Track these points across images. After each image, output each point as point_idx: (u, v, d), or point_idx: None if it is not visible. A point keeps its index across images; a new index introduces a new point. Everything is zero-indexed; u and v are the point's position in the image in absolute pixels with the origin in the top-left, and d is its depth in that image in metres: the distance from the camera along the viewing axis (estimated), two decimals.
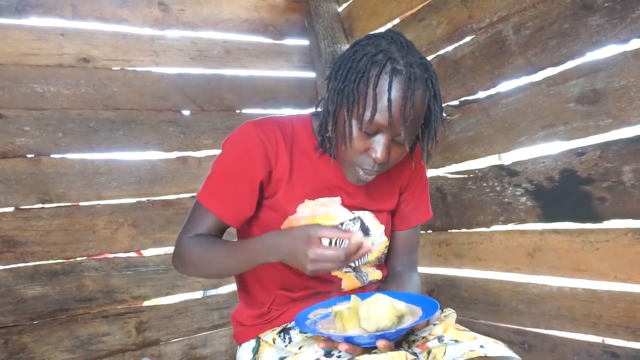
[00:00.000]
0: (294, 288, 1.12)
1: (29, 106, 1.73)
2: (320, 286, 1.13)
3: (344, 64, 0.98)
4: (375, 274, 1.19)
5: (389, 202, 1.18)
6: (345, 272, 1.14)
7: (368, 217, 1.14)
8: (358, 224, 1.13)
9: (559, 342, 1.54)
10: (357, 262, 1.14)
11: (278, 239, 0.96)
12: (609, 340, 1.43)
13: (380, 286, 1.20)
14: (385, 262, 1.24)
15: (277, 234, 0.98)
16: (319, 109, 1.11)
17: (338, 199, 1.10)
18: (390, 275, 1.22)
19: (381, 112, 0.92)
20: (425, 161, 1.07)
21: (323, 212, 1.09)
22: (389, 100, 0.91)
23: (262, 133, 1.05)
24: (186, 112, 2.01)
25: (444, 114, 1.01)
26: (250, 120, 1.09)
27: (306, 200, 1.07)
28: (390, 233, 1.21)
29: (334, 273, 1.13)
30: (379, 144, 0.95)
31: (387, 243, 1.19)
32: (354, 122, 0.96)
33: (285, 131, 1.08)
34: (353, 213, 1.12)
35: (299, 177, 1.08)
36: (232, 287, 2.00)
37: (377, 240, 1.16)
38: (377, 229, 1.15)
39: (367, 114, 0.93)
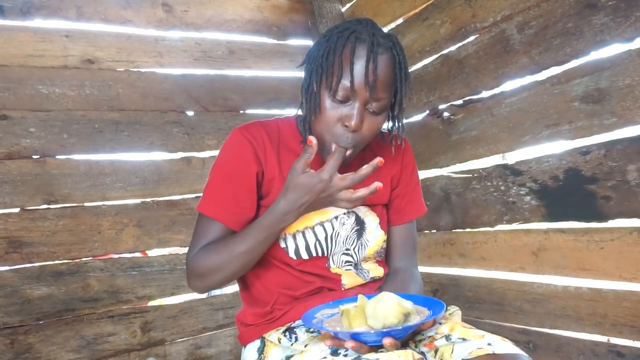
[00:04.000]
0: (295, 286, 1.13)
1: (34, 107, 1.73)
2: (321, 283, 1.14)
3: (315, 48, 1.06)
4: (377, 271, 1.20)
5: (382, 196, 1.20)
6: (346, 269, 1.15)
7: (362, 211, 1.17)
8: (353, 218, 1.15)
9: (564, 342, 1.54)
10: (356, 258, 1.16)
11: (290, 195, 0.98)
12: (615, 340, 1.43)
13: (382, 285, 1.21)
14: (385, 259, 1.25)
15: (284, 197, 0.99)
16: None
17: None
18: (392, 273, 1.24)
19: (346, 76, 0.97)
20: (400, 139, 1.12)
21: None
22: (352, 63, 0.97)
23: (249, 135, 1.09)
24: (190, 113, 2.01)
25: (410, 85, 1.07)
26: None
27: None
28: (388, 230, 1.22)
29: (333, 271, 1.15)
30: (350, 110, 0.99)
31: (385, 237, 1.21)
32: (324, 92, 1.00)
33: (270, 132, 1.12)
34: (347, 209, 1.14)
35: None
36: (237, 287, 2.00)
37: (373, 234, 1.18)
38: (372, 222, 1.18)
39: (334, 80, 0.98)
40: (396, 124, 1.09)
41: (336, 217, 1.13)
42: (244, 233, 1.05)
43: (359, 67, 0.97)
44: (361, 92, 0.98)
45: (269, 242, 1.05)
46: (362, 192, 0.95)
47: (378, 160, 0.94)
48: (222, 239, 1.08)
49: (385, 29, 2.11)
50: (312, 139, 0.95)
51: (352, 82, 0.97)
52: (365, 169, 0.94)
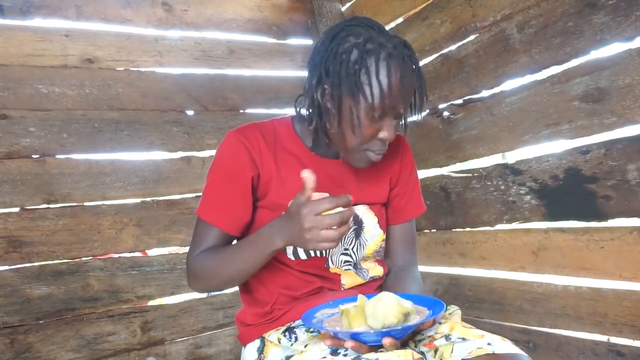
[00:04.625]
0: (295, 287, 1.13)
1: (34, 107, 1.73)
2: (321, 283, 1.14)
3: (330, 59, 1.01)
4: (377, 271, 1.20)
5: (380, 195, 1.21)
6: (345, 269, 1.15)
7: (361, 210, 1.17)
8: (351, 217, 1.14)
9: (564, 341, 1.54)
10: (355, 258, 1.16)
11: (280, 221, 0.98)
12: (615, 339, 1.43)
13: (382, 284, 1.21)
14: (385, 258, 1.25)
15: (278, 218, 1.00)
16: (300, 109, 1.14)
17: (327, 194, 1.12)
18: (392, 272, 1.24)
19: (389, 97, 0.98)
20: (404, 133, 1.14)
21: None
22: (392, 84, 0.97)
23: (244, 138, 1.09)
24: (190, 112, 2.01)
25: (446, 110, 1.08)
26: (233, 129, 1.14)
27: None
28: (387, 229, 1.23)
29: (332, 271, 1.14)
30: (387, 125, 1.02)
31: (383, 236, 1.21)
32: (362, 112, 1.00)
33: (266, 134, 1.12)
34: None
35: (288, 174, 1.11)
36: (236, 287, 2.01)
37: (372, 233, 1.18)
38: (371, 221, 1.18)
39: (376, 101, 0.98)
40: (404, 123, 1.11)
41: None
42: (235, 248, 1.06)
43: (397, 87, 0.98)
44: (398, 108, 1.01)
45: (260, 261, 1.03)
46: (343, 229, 0.92)
47: (350, 197, 0.92)
48: (220, 248, 1.09)
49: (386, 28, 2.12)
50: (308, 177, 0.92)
51: (393, 102, 0.99)
52: (347, 211, 0.91)
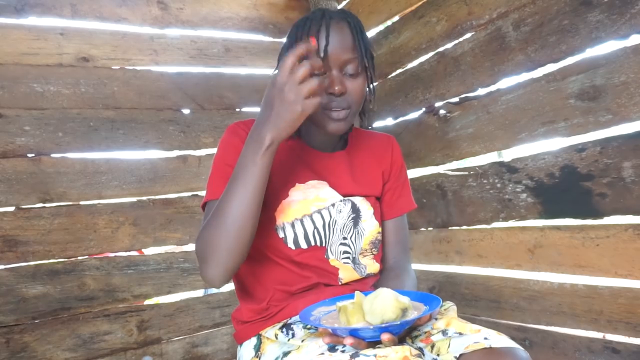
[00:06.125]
0: (291, 282, 1.13)
1: (29, 106, 1.73)
2: (318, 278, 1.14)
3: (283, 50, 1.14)
4: (374, 267, 1.21)
5: (374, 188, 1.23)
6: (344, 263, 1.16)
7: (358, 200, 1.19)
8: (349, 205, 1.17)
9: (559, 338, 1.55)
10: (353, 249, 1.17)
11: (259, 117, 0.96)
12: (610, 336, 1.43)
13: (376, 282, 1.21)
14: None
15: (257, 118, 0.98)
16: None
17: (325, 182, 1.16)
18: (386, 269, 1.25)
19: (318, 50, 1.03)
20: (373, 104, 1.18)
21: (313, 194, 1.14)
22: (311, 35, 1.04)
23: (244, 126, 1.13)
24: (186, 111, 2.01)
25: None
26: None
27: (297, 184, 1.13)
28: (382, 224, 1.24)
29: (332, 263, 1.15)
30: (330, 78, 1.05)
31: (379, 228, 1.22)
32: None
33: None
34: (342, 197, 1.17)
35: (286, 163, 1.14)
36: (233, 285, 2.00)
37: (369, 223, 1.19)
38: (367, 211, 1.20)
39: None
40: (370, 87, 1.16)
41: (333, 205, 1.15)
42: (229, 181, 0.99)
43: (322, 37, 1.04)
44: (331, 59, 1.04)
45: (257, 178, 0.96)
46: (321, 79, 0.92)
47: (316, 45, 0.96)
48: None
49: (381, 27, 2.12)
50: (315, 39, 0.97)
51: (317, 52, 1.01)
52: (316, 59, 0.93)
